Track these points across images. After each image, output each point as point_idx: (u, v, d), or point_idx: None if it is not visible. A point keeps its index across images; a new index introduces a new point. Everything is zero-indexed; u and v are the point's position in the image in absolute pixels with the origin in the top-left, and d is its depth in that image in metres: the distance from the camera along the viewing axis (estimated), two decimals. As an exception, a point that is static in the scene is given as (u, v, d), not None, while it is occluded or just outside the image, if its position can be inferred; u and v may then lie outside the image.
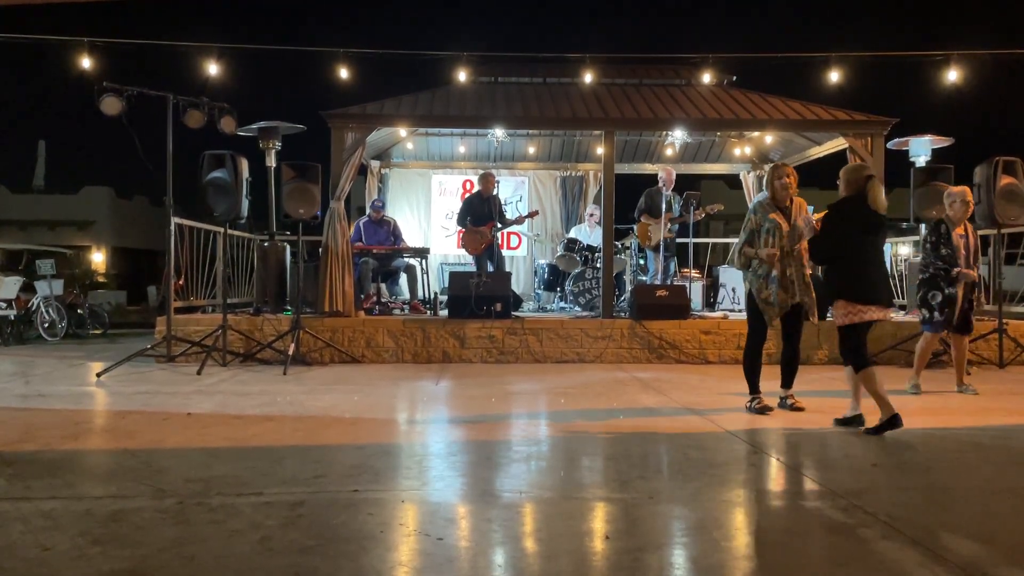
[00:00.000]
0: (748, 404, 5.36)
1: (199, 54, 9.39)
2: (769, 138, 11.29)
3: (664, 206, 9.58)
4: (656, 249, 9.83)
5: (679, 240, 10.61)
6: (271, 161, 9.39)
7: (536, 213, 11.04)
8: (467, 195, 11.39)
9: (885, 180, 8.71)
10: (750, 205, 5.61)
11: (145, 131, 7.42)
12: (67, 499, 3.19)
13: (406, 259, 9.98)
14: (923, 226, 6.27)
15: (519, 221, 10.49)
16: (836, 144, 9.62)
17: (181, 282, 8.47)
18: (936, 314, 5.97)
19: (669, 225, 9.69)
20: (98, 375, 6.89)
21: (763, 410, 5.22)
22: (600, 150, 9.64)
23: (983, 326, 8.13)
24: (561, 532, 2.89)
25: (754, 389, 5.41)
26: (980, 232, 8.94)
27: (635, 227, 10.08)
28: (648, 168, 12.33)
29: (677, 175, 10.26)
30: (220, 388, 6.29)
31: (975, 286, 6.16)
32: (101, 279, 25.14)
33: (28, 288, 11.89)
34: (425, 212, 12.47)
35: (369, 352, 8.20)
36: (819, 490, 3.45)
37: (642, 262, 10.39)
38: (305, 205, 7.81)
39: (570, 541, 2.79)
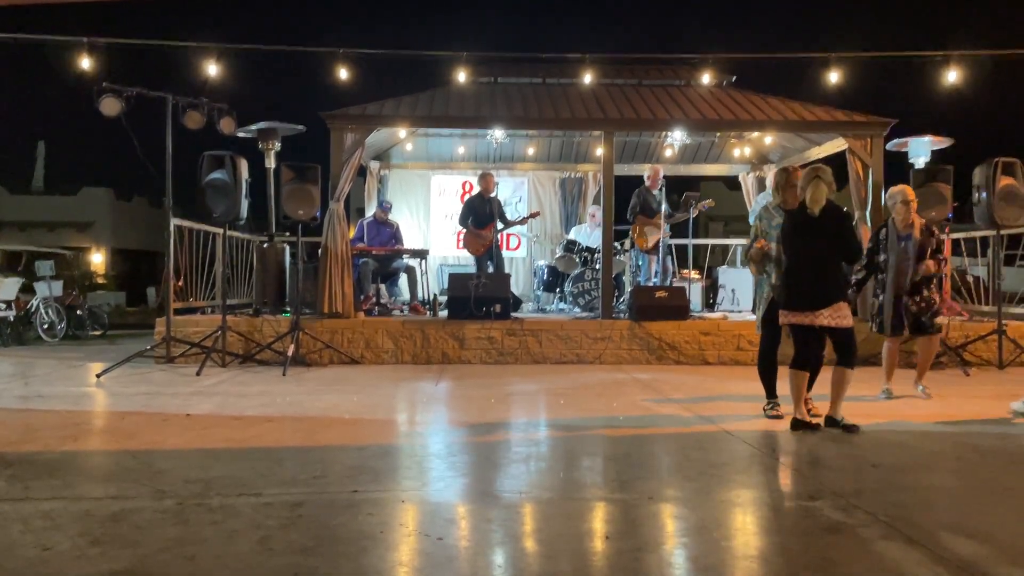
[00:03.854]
0: (764, 408, 5.25)
1: (198, 55, 9.38)
2: (768, 139, 11.28)
3: (655, 205, 9.59)
4: (651, 252, 9.83)
5: (678, 241, 10.62)
6: (270, 162, 9.39)
7: (538, 213, 11.04)
8: (467, 196, 11.39)
9: (884, 181, 8.75)
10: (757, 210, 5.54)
11: (144, 132, 7.42)
12: (67, 500, 3.19)
13: (405, 260, 9.98)
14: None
15: (521, 222, 10.50)
16: (836, 145, 9.62)
17: (180, 283, 8.46)
18: (880, 324, 5.89)
19: (665, 226, 9.69)
20: (97, 376, 6.89)
21: (776, 417, 5.09)
22: (600, 151, 9.64)
23: (983, 327, 8.14)
24: (561, 532, 2.89)
25: (769, 393, 5.27)
26: (979, 233, 8.99)
27: (631, 231, 10.06)
28: (647, 169, 12.33)
29: (677, 176, 10.26)
30: (219, 389, 6.29)
31: (928, 286, 5.94)
32: (100, 280, 25.14)
33: (27, 289, 11.88)
34: (424, 213, 12.46)
35: (369, 353, 8.19)
36: (819, 490, 3.45)
37: (640, 263, 10.38)
38: (304, 206, 7.81)
39: (570, 541, 2.79)
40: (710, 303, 10.69)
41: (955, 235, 9.46)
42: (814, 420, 4.86)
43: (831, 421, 4.76)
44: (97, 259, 29.51)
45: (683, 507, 3.25)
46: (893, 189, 6.05)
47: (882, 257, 5.89)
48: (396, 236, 10.27)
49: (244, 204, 7.49)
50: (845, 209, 4.95)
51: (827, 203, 4.75)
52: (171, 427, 4.74)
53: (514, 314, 8.92)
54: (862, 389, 6.20)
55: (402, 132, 10.97)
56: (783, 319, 4.88)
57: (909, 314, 5.82)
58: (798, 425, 4.74)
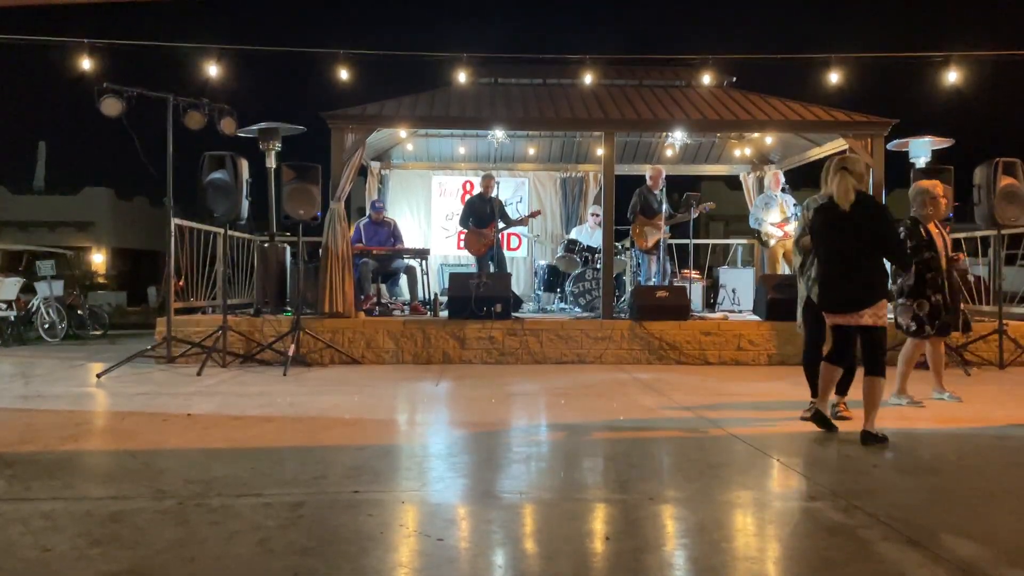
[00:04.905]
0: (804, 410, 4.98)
1: (199, 55, 9.39)
2: (769, 139, 11.29)
3: (656, 205, 9.59)
4: (650, 252, 9.83)
5: (679, 241, 10.61)
6: (271, 162, 9.39)
7: (539, 212, 11.05)
8: (468, 196, 11.41)
9: (885, 181, 8.75)
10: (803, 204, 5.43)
11: (145, 132, 7.43)
12: (67, 500, 3.19)
13: (406, 260, 9.98)
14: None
15: (522, 222, 10.51)
16: (836, 145, 9.62)
17: (181, 283, 8.47)
18: (927, 327, 5.51)
19: (665, 226, 9.70)
20: (98, 376, 6.89)
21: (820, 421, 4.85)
22: (600, 151, 9.64)
23: (983, 326, 8.14)
24: (561, 533, 2.89)
25: (815, 394, 4.93)
26: (980, 233, 9.00)
27: (631, 231, 10.06)
28: (648, 169, 12.34)
29: (678, 176, 10.27)
30: (220, 389, 6.29)
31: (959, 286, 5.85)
32: (101, 280, 25.16)
33: (28, 289, 11.89)
34: (425, 213, 12.47)
35: (369, 353, 8.20)
36: (819, 491, 3.45)
37: (640, 263, 10.38)
38: (305, 206, 7.82)
39: (570, 542, 2.79)
40: (711, 303, 10.70)
41: (956, 235, 9.45)
42: (843, 421, 4.75)
43: (869, 437, 4.34)
44: (98, 259, 29.54)
45: (683, 508, 3.25)
46: (927, 184, 5.75)
47: (927, 254, 5.52)
48: (394, 234, 10.27)
49: (245, 204, 7.50)
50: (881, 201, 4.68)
51: (859, 195, 4.44)
52: (172, 427, 4.74)
53: (515, 314, 8.92)
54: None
55: (403, 132, 10.97)
56: (830, 320, 4.62)
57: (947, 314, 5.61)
58: (819, 418, 4.55)
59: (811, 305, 4.89)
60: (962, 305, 5.82)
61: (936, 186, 5.74)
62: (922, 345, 5.78)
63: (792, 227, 9.24)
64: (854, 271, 4.44)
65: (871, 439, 4.35)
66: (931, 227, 5.67)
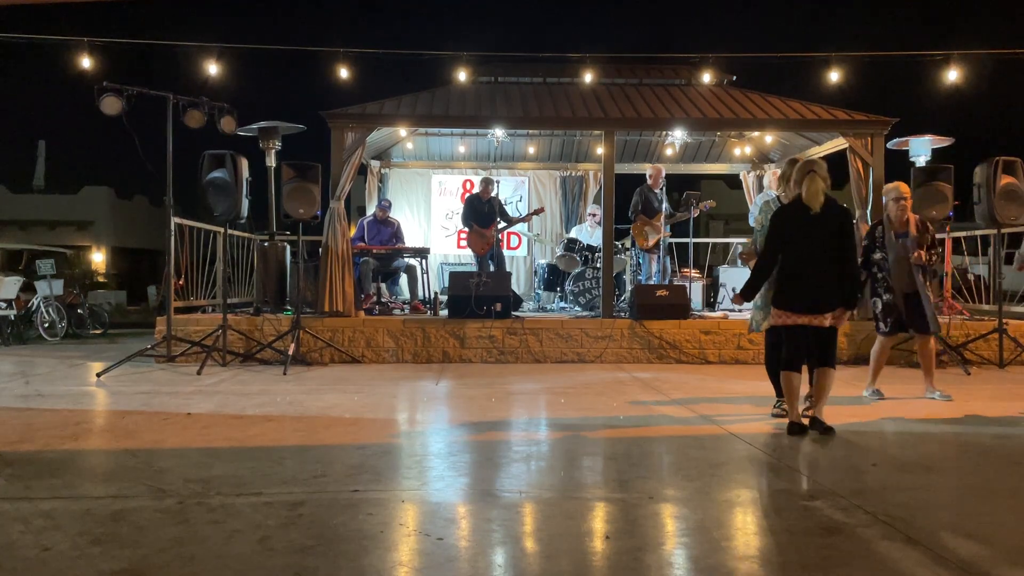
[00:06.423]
0: (773, 407, 5.22)
1: (199, 54, 9.39)
2: (769, 138, 11.29)
3: (656, 204, 9.60)
4: (651, 251, 9.83)
5: (679, 240, 10.60)
6: (271, 161, 9.39)
7: (542, 210, 11.06)
8: (468, 195, 11.41)
9: (885, 180, 8.74)
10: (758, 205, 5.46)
11: (145, 131, 7.43)
12: (67, 499, 3.19)
13: (406, 259, 9.99)
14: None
15: (525, 219, 10.51)
16: (836, 144, 9.62)
17: (181, 282, 8.47)
18: (880, 324, 5.82)
19: (666, 225, 9.70)
20: (98, 375, 6.89)
21: (782, 415, 5.05)
22: (600, 150, 9.65)
23: (983, 325, 8.14)
24: (561, 532, 2.89)
25: (779, 392, 5.19)
26: (980, 232, 9.00)
27: (632, 230, 10.06)
28: (648, 168, 12.34)
29: (677, 175, 10.27)
30: (220, 388, 6.29)
31: (931, 281, 5.93)
32: (101, 279, 25.14)
33: (28, 288, 11.88)
34: (425, 212, 12.47)
35: (369, 352, 8.20)
36: (819, 490, 3.45)
37: (641, 262, 10.37)
38: (305, 205, 7.81)
39: (570, 541, 2.79)
40: (711, 302, 10.69)
41: (956, 234, 9.47)
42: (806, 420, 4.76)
43: (817, 423, 4.57)
44: (98, 258, 29.51)
45: (683, 507, 3.25)
46: (888, 186, 6.00)
47: (878, 255, 5.80)
48: (397, 235, 10.28)
49: (245, 203, 7.49)
50: (845, 206, 4.82)
51: (827, 199, 4.54)
52: (171, 426, 4.74)
53: (515, 313, 8.92)
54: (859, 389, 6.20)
55: (403, 131, 10.98)
56: (780, 319, 4.66)
57: (910, 313, 5.73)
58: (795, 430, 4.57)
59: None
60: (949, 303, 5.90)
61: (895, 187, 5.86)
62: (888, 342, 5.95)
63: None
64: (825, 273, 4.52)
65: (819, 427, 4.50)
66: (899, 228, 5.75)
